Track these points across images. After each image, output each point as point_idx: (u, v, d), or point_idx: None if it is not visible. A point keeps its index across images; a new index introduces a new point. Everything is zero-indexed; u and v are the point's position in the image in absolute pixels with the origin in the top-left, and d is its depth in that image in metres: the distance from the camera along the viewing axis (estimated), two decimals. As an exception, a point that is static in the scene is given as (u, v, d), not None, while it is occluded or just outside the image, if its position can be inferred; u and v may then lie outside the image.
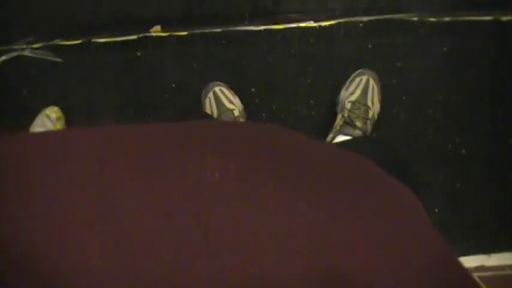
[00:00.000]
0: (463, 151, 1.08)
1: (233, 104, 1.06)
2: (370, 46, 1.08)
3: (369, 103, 1.02)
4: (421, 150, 1.09)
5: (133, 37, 1.13)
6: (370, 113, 1.02)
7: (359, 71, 1.05)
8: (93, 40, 1.15)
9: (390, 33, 1.07)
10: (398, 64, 1.08)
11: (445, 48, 1.08)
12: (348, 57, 1.08)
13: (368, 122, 1.02)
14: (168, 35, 1.11)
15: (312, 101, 1.09)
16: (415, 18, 1.07)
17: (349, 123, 1.01)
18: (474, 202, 1.08)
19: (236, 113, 1.04)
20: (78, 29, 1.15)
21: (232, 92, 1.08)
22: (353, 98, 1.02)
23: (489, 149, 1.08)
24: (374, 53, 1.08)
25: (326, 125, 1.06)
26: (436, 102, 1.09)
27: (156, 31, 1.12)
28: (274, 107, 1.10)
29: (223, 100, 1.05)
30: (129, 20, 1.13)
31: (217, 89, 1.06)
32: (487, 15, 1.07)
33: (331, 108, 1.07)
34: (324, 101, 1.08)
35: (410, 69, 1.08)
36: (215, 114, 1.05)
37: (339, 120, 1.03)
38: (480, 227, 1.08)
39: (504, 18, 1.07)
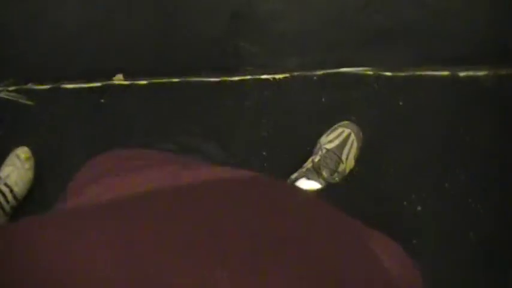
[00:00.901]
0: (419, 208, 1.06)
1: None
2: (324, 99, 1.08)
3: (343, 157, 1.01)
4: (375, 207, 1.07)
5: (98, 84, 1.17)
6: (341, 167, 1.01)
7: (346, 122, 1.04)
8: (62, 86, 1.20)
9: (345, 87, 1.08)
10: (353, 118, 1.07)
11: (400, 103, 1.07)
12: (302, 110, 1.09)
13: (336, 174, 1.01)
14: (130, 84, 1.15)
15: (264, 153, 1.09)
16: (370, 73, 1.07)
17: (316, 170, 1.00)
18: (428, 258, 1.05)
19: None
20: (49, 75, 1.21)
21: None
22: (329, 146, 1.02)
23: (447, 207, 1.06)
24: (328, 106, 1.08)
25: (277, 177, 1.06)
26: (392, 158, 1.07)
27: (118, 79, 1.16)
28: (227, 156, 1.11)
29: None
30: (94, 67, 1.18)
31: None
32: (443, 71, 1.06)
33: (283, 160, 1.08)
34: (277, 153, 1.08)
35: (365, 123, 1.07)
36: None
37: (308, 163, 1.04)
38: None
39: (461, 74, 1.06)
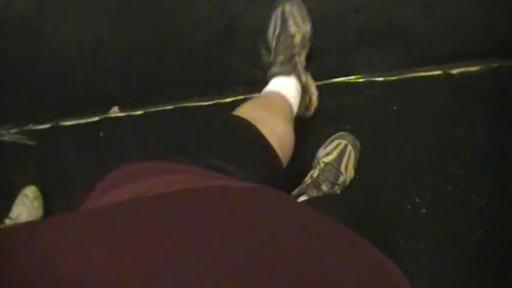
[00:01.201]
0: (424, 210, 1.05)
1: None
2: (318, 111, 1.08)
3: (342, 168, 1.01)
4: (378, 213, 1.06)
5: (95, 118, 1.19)
6: (341, 179, 1.01)
7: (341, 133, 1.04)
8: (61, 123, 1.22)
9: (337, 96, 1.07)
10: (348, 127, 1.07)
11: (394, 107, 1.06)
12: (297, 124, 1.08)
13: (336, 187, 1.01)
14: (126, 115, 1.17)
15: (263, 170, 1.09)
16: (361, 80, 1.07)
17: (315, 185, 1.00)
18: (436, 262, 1.04)
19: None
20: (47, 115, 1.24)
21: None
22: (327, 159, 1.01)
23: (451, 208, 1.04)
24: (322, 118, 1.08)
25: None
26: (391, 162, 1.06)
27: (114, 112, 1.18)
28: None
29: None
30: (90, 102, 1.20)
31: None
32: (436, 70, 1.05)
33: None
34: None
35: (361, 130, 1.07)
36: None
37: (308, 178, 1.03)
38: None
39: (454, 71, 1.04)
